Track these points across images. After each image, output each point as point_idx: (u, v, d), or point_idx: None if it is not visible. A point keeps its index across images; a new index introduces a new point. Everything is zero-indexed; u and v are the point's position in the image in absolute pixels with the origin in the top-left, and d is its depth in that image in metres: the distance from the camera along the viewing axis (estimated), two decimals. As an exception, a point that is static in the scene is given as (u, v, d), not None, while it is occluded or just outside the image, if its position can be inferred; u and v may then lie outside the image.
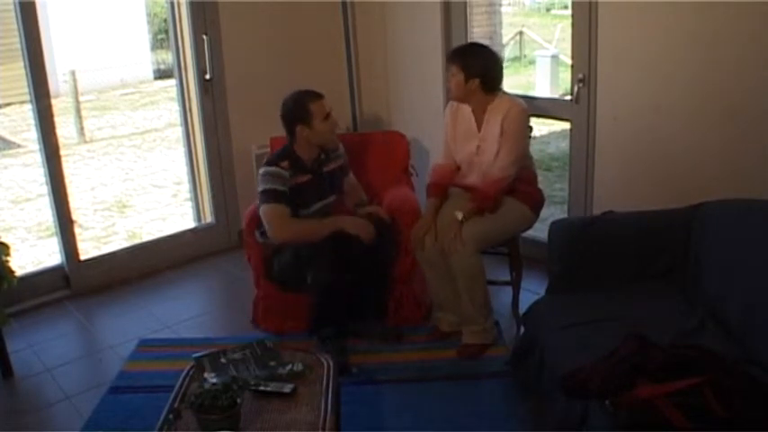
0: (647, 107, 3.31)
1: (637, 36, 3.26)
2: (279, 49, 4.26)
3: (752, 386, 1.92)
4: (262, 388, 2.13)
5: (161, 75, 9.97)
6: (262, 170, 3.06)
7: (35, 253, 4.93)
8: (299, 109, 3.04)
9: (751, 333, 2.21)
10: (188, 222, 4.66)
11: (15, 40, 3.52)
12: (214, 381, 2.13)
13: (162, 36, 9.72)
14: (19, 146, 7.56)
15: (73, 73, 7.94)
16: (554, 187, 5.36)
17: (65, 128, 7.28)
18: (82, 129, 7.96)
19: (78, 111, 7.98)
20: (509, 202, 3.06)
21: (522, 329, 2.90)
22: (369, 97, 4.59)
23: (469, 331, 3.07)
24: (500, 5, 5.99)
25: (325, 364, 2.30)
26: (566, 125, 3.84)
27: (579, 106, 3.59)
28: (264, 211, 3.01)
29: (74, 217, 3.92)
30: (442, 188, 3.17)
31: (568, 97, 3.73)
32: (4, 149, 7.56)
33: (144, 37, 9.96)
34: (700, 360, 1.97)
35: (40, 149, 3.68)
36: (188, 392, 2.13)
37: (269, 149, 3.69)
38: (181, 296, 3.92)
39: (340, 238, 3.00)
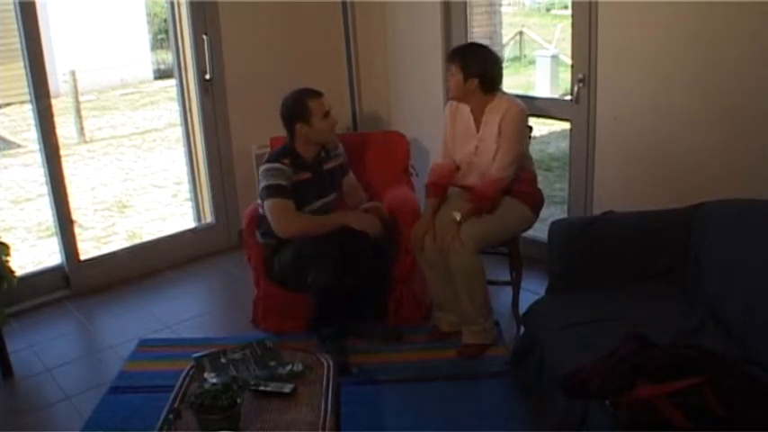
0: (647, 107, 3.31)
1: (637, 36, 3.26)
2: (279, 49, 4.26)
3: (752, 386, 1.92)
4: (262, 388, 2.13)
5: (161, 75, 9.97)
6: (263, 167, 3.07)
7: (35, 253, 4.93)
8: (298, 107, 3.05)
9: (751, 333, 2.21)
10: (188, 222, 4.66)
11: (15, 40, 3.52)
12: (214, 381, 2.13)
13: (162, 36, 9.72)
14: (19, 146, 7.56)
15: (73, 73, 7.94)
16: (554, 187, 5.36)
17: (65, 128, 7.28)
18: (82, 129, 7.96)
19: (78, 111, 7.98)
20: (509, 202, 3.06)
21: (522, 329, 2.90)
22: (369, 97, 4.59)
23: (469, 331, 3.07)
24: (500, 5, 6.00)
25: (325, 364, 2.30)
26: (566, 125, 3.84)
27: (579, 106, 3.59)
28: (269, 206, 3.01)
29: (74, 217, 3.92)
30: (441, 188, 3.17)
31: (568, 97, 3.73)
32: (4, 149, 7.56)
33: (144, 37, 9.96)
34: (700, 360, 1.97)
35: (40, 149, 3.68)
36: (188, 392, 2.13)
37: (269, 149, 3.69)
38: (181, 296, 3.92)
39: (346, 234, 3.01)
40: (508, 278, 3.39)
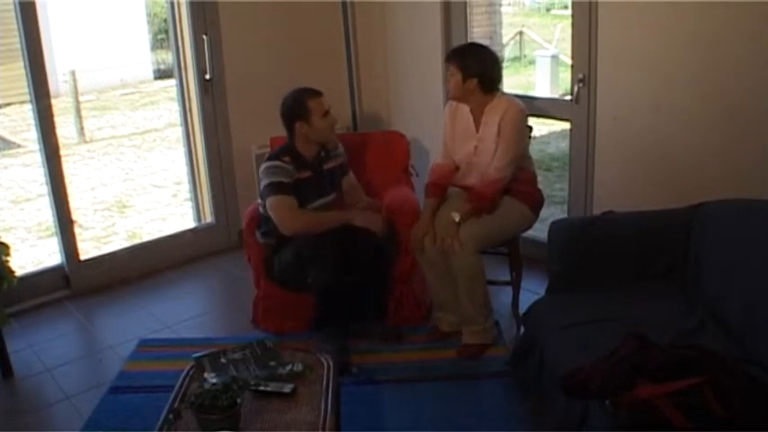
0: (647, 107, 3.31)
1: (637, 36, 3.26)
2: (279, 49, 4.26)
3: (752, 386, 1.92)
4: (262, 388, 2.13)
5: (161, 75, 9.97)
6: (264, 165, 3.07)
7: (35, 253, 4.93)
8: (297, 106, 3.05)
9: (751, 333, 2.21)
10: (188, 222, 4.66)
11: (15, 40, 3.52)
12: (214, 381, 2.13)
13: (162, 36, 9.72)
14: (19, 146, 7.56)
15: (73, 73, 7.94)
16: (554, 187, 5.36)
17: (65, 128, 7.28)
18: (82, 129, 7.96)
19: (78, 111, 7.98)
20: (508, 202, 3.06)
21: (522, 329, 2.90)
22: (369, 97, 4.59)
23: (469, 331, 3.07)
24: (500, 5, 6.00)
25: (325, 364, 2.30)
26: (566, 125, 3.84)
27: (579, 106, 3.59)
28: (272, 203, 3.01)
29: (74, 217, 3.92)
30: (440, 188, 3.17)
31: (568, 97, 3.73)
32: (4, 149, 7.56)
33: (144, 37, 9.96)
34: (700, 360, 1.97)
35: (40, 149, 3.68)
36: (188, 392, 2.13)
37: (269, 149, 3.69)
38: (181, 296, 3.92)
39: (346, 233, 3.01)
40: (508, 278, 3.39)
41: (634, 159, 3.43)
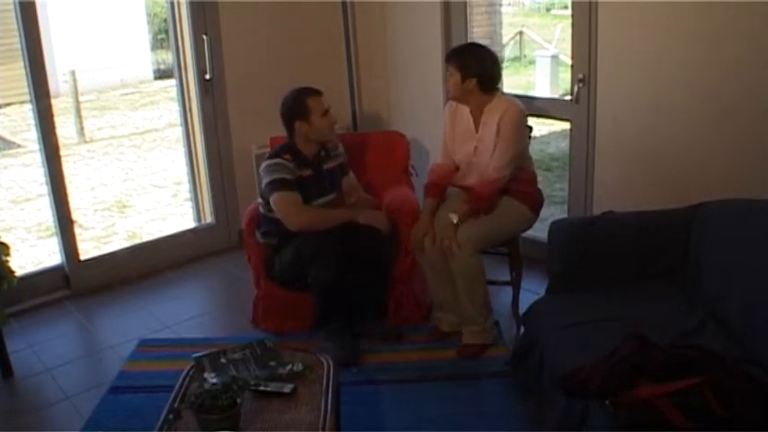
0: (647, 107, 3.31)
1: (637, 36, 3.26)
2: (279, 49, 4.26)
3: (752, 386, 1.92)
4: (262, 388, 2.13)
5: (161, 75, 9.97)
6: (266, 162, 3.07)
7: (35, 253, 4.93)
8: (297, 105, 3.06)
9: (751, 333, 2.21)
10: (188, 222, 4.65)
11: (15, 40, 3.52)
12: (214, 381, 2.13)
13: (162, 36, 9.72)
14: (19, 146, 7.56)
15: (73, 73, 7.94)
16: (554, 187, 5.36)
17: (65, 128, 7.28)
18: (82, 129, 7.96)
19: (78, 111, 7.98)
20: (508, 202, 3.06)
21: (522, 329, 2.90)
22: (369, 97, 4.59)
23: (469, 331, 3.07)
24: (500, 5, 6.00)
25: (325, 364, 2.30)
26: (566, 125, 3.84)
27: (579, 106, 3.59)
28: (277, 199, 3.01)
29: (74, 217, 3.92)
30: (439, 188, 3.17)
31: (568, 97, 3.73)
32: (4, 149, 7.56)
33: (144, 37, 9.96)
34: (700, 360, 1.97)
35: (40, 149, 3.68)
36: (188, 392, 2.13)
37: (269, 149, 3.69)
38: (181, 296, 3.92)
39: (348, 231, 3.02)
40: (508, 278, 3.39)
41: (634, 159, 3.43)
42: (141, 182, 6.58)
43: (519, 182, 3.09)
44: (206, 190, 4.33)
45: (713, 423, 1.79)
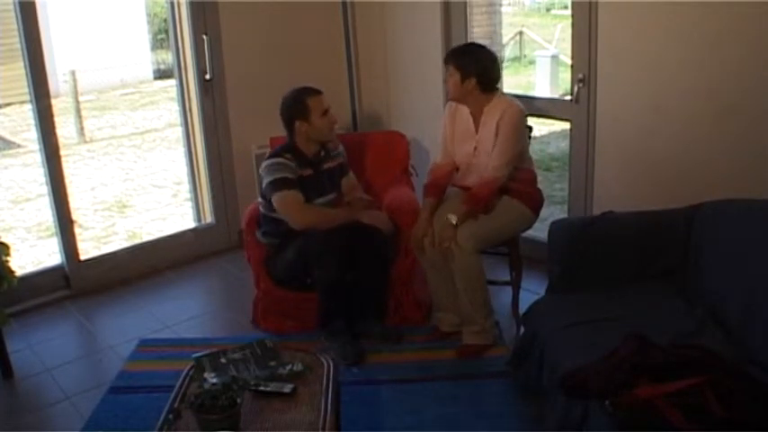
0: (647, 107, 3.31)
1: (637, 36, 3.26)
2: (279, 49, 4.26)
3: (752, 386, 1.92)
4: (262, 388, 2.13)
5: (161, 75, 9.97)
6: (267, 162, 3.07)
7: (35, 253, 4.93)
8: (297, 104, 3.06)
9: (751, 333, 2.21)
10: (188, 222, 4.65)
11: (15, 40, 3.52)
12: (214, 381, 2.13)
13: (162, 36, 9.72)
14: (19, 146, 7.56)
15: (73, 73, 7.94)
16: (554, 187, 5.36)
17: (65, 128, 7.28)
18: (82, 129, 7.96)
19: (78, 111, 7.98)
20: (508, 202, 3.06)
21: (522, 329, 2.90)
22: (369, 97, 4.59)
23: (469, 331, 3.07)
24: (500, 5, 5.99)
25: (325, 364, 2.30)
26: (566, 125, 3.84)
27: (579, 106, 3.59)
28: (280, 199, 3.01)
29: (74, 217, 3.92)
30: (438, 188, 3.17)
31: (568, 97, 3.73)
32: (4, 149, 7.56)
33: (144, 37, 9.96)
34: (700, 360, 1.97)
35: (40, 149, 3.68)
36: (188, 392, 2.13)
37: (269, 149, 3.69)
38: (181, 296, 3.92)
39: (353, 230, 3.02)
40: (508, 278, 3.39)
41: (634, 159, 3.43)
42: (141, 182, 6.58)
43: (519, 182, 3.09)
44: (206, 190, 4.33)
45: (713, 423, 1.79)
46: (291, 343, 2.66)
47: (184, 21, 4.02)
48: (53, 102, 3.70)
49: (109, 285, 3.93)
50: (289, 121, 3.09)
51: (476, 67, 2.99)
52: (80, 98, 8.05)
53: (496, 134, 3.00)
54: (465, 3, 4.06)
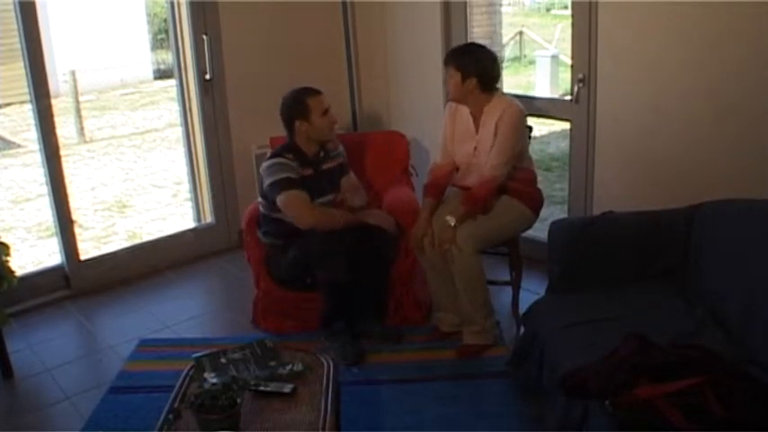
0: (647, 107, 3.31)
1: (637, 36, 3.26)
2: (279, 49, 4.26)
3: (752, 386, 1.92)
4: (262, 388, 2.13)
5: (161, 75, 9.97)
6: (269, 162, 3.06)
7: (35, 253, 4.93)
8: (297, 104, 3.06)
9: (751, 333, 2.21)
10: (188, 222, 4.65)
11: (15, 40, 3.52)
12: (214, 381, 2.13)
13: (162, 36, 9.72)
14: (19, 146, 7.56)
15: (73, 73, 7.94)
16: (554, 187, 5.36)
17: (65, 128, 7.28)
18: (82, 129, 7.96)
19: (78, 111, 7.98)
20: (508, 202, 3.06)
21: (522, 329, 2.90)
22: (369, 97, 4.59)
23: (469, 331, 3.07)
24: (500, 5, 5.99)
25: (325, 364, 2.30)
26: (566, 125, 3.84)
27: (579, 106, 3.59)
28: (285, 199, 3.00)
29: (74, 217, 3.92)
30: (438, 188, 3.17)
31: (568, 97, 3.73)
32: (4, 149, 7.56)
33: (144, 37, 9.96)
34: (700, 360, 1.97)
35: (40, 149, 3.68)
36: (188, 392, 2.13)
37: (269, 149, 3.69)
38: (181, 296, 3.92)
39: (359, 230, 3.03)
40: (508, 278, 3.39)
41: (634, 159, 3.43)
42: (141, 182, 6.58)
43: (519, 182, 3.09)
44: (206, 190, 4.33)
45: (713, 423, 1.79)
46: (291, 343, 2.66)
47: (184, 21, 4.02)
48: (53, 102, 3.70)
49: (109, 285, 3.93)
50: (289, 121, 3.09)
51: (476, 66, 2.99)
52: (80, 98, 8.05)
53: (495, 134, 3.00)
54: (465, 3, 4.06)
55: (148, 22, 9.99)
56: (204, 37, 4.00)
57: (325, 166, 3.20)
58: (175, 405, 2.08)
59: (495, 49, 3.26)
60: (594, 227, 2.78)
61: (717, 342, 2.21)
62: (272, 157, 3.10)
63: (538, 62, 7.87)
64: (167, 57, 8.66)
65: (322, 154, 3.19)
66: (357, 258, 2.98)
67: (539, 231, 3.40)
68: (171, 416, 2.01)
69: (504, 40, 7.03)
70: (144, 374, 3.04)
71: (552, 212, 4.54)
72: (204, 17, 4.00)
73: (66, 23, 8.27)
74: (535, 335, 2.60)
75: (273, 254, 3.19)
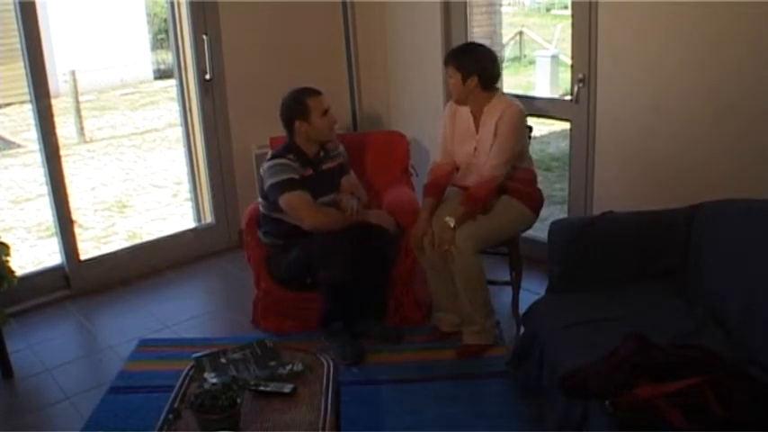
0: (647, 107, 3.31)
1: (637, 36, 3.26)
2: (279, 49, 4.26)
3: (752, 386, 1.92)
4: (262, 388, 2.13)
5: (161, 75, 9.97)
6: (270, 163, 3.06)
7: (35, 253, 4.93)
8: (297, 105, 3.06)
9: (751, 333, 2.21)
10: (188, 222, 4.65)
11: (15, 40, 3.52)
12: (214, 381, 2.13)
13: (162, 36, 9.72)
14: (19, 146, 7.57)
15: (73, 73, 7.94)
16: (554, 187, 5.36)
17: (65, 128, 7.28)
18: (82, 129, 7.96)
19: (78, 111, 7.98)
20: (508, 202, 3.06)
21: (522, 329, 2.90)
22: (369, 97, 4.59)
23: (469, 331, 3.07)
24: (500, 5, 6.00)
25: (325, 364, 2.30)
26: (566, 125, 3.84)
27: (579, 106, 3.59)
28: (288, 200, 2.99)
29: (74, 217, 3.92)
30: (438, 188, 3.17)
31: (568, 97, 3.73)
32: (4, 149, 7.56)
33: (144, 37, 9.96)
34: (700, 360, 1.97)
35: (40, 149, 3.68)
36: (188, 392, 2.13)
37: (269, 149, 3.69)
38: (181, 296, 3.92)
39: (360, 230, 3.03)
40: (508, 278, 3.39)
41: (634, 159, 3.43)
42: (141, 182, 6.58)
43: (519, 182, 3.09)
44: (206, 190, 4.33)
45: (713, 423, 1.79)
46: (291, 343, 2.66)
47: (184, 21, 4.02)
48: (53, 102, 3.70)
49: (109, 285, 3.93)
50: (289, 122, 3.09)
51: (476, 65, 2.99)
52: (80, 98, 8.05)
53: (495, 134, 3.00)
54: (465, 3, 4.06)
55: (148, 22, 9.99)
56: (204, 37, 4.00)
57: (325, 166, 3.20)
58: (175, 405, 2.08)
59: (495, 48, 3.26)
60: (594, 227, 2.78)
61: (717, 342, 2.21)
62: (273, 157, 3.10)
63: (538, 62, 7.87)
64: (167, 57, 8.66)
65: (322, 154, 3.19)
66: (358, 258, 2.98)
67: (539, 231, 3.40)
68: (171, 416, 2.01)
69: (504, 40, 7.03)
70: (144, 374, 3.04)
71: (552, 212, 4.54)
72: (204, 17, 4.00)
73: (67, 23, 8.27)
74: (535, 335, 2.60)
75: (274, 254, 3.19)
